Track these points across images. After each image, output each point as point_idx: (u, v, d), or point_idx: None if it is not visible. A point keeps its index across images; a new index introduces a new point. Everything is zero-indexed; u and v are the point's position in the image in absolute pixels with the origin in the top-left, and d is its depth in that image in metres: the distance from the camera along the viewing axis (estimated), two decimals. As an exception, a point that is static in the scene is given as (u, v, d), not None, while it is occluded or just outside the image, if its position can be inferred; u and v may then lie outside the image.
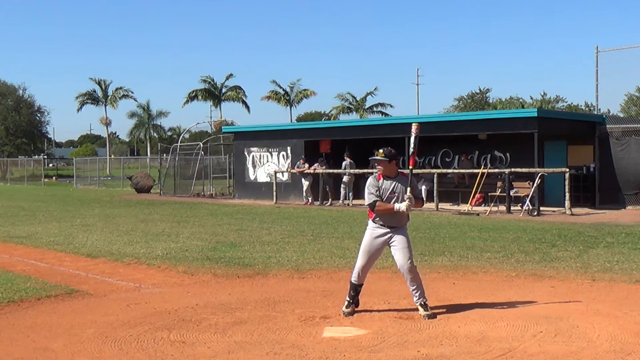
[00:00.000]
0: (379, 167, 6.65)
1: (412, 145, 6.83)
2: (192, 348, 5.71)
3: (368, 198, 6.61)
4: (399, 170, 6.76)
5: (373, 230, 6.70)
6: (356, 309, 6.86)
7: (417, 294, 6.61)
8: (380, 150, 6.62)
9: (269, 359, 5.39)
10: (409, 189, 6.50)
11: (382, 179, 6.65)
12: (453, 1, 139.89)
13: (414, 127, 6.79)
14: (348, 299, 6.85)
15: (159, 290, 8.39)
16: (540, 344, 5.58)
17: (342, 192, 22.36)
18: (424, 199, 6.75)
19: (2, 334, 6.33)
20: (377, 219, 6.66)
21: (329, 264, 9.98)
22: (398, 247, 6.61)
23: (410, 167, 6.78)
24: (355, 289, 6.86)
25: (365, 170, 20.14)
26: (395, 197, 6.57)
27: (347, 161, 22.26)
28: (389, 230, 6.63)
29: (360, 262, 6.77)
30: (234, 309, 7.15)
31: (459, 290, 7.97)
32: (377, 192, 6.58)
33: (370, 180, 6.70)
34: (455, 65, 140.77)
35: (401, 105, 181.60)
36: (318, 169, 22.48)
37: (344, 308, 6.82)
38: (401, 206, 6.46)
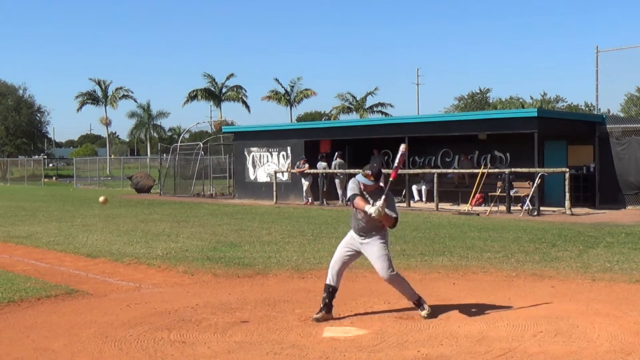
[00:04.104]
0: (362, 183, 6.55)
1: (397, 160, 6.77)
2: (192, 348, 5.71)
3: (350, 190, 6.55)
4: (380, 184, 6.65)
5: (352, 232, 6.74)
6: (329, 316, 6.59)
7: (407, 297, 6.62)
8: (369, 172, 6.46)
9: (269, 359, 5.39)
10: (383, 196, 6.34)
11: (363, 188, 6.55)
12: (453, 1, 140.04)
13: (402, 147, 6.80)
14: (321, 303, 6.67)
15: (159, 290, 8.39)
16: (540, 344, 5.58)
17: (339, 192, 22.36)
18: (398, 216, 6.58)
19: (2, 334, 6.33)
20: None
21: (329, 264, 9.91)
22: (372, 257, 6.56)
23: (392, 179, 6.63)
24: (327, 290, 6.67)
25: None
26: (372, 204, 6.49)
27: (337, 160, 22.23)
28: (360, 238, 6.60)
29: (332, 259, 6.77)
30: (234, 309, 7.15)
31: (459, 290, 7.97)
32: (359, 191, 6.51)
33: (353, 180, 6.62)
34: (455, 65, 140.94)
35: (401, 105, 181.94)
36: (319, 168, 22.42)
37: (314, 314, 6.61)
38: (371, 210, 6.28)
